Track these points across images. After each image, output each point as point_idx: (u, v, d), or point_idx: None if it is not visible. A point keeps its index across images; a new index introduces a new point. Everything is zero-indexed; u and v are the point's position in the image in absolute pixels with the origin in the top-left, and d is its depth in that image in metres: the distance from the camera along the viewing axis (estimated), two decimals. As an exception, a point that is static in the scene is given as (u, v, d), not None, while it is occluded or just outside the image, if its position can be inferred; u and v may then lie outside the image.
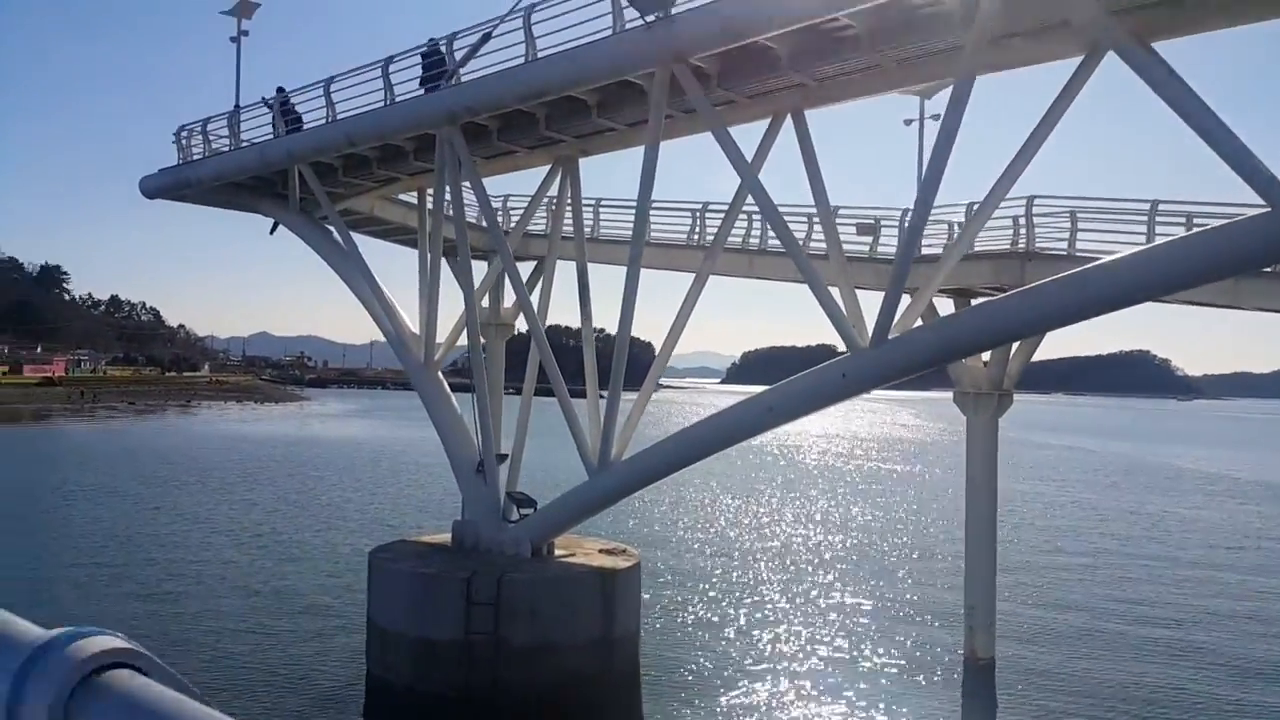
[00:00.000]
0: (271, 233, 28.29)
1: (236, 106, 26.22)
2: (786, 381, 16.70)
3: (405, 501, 48.86)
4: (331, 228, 24.85)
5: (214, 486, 53.63)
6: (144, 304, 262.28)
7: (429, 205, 23.63)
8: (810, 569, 33.89)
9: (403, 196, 28.01)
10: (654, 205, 25.42)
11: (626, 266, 18.11)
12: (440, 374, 23.59)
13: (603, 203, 26.17)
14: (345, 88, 22.62)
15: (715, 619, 26.44)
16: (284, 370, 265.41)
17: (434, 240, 22.33)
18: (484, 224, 30.46)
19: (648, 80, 17.34)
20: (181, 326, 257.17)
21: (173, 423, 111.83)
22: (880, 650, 24.12)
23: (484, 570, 18.96)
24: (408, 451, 76.37)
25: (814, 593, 30.11)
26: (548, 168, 22.62)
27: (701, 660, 22.85)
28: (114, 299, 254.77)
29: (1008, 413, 23.13)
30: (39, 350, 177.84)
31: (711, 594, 29.30)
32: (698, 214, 24.25)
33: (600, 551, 21.37)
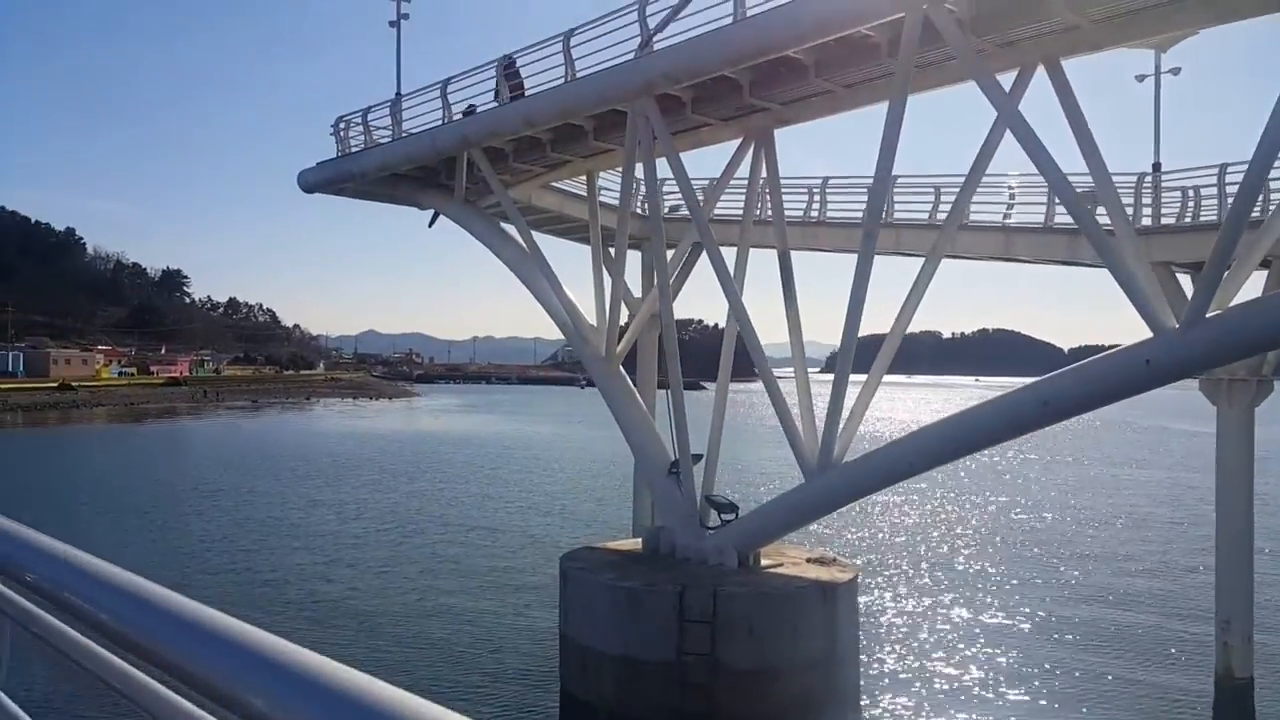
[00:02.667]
0: (431, 225, 27.24)
1: (398, 94, 25.18)
2: (1070, 370, 14.49)
3: (569, 503, 47.48)
4: (508, 221, 23.51)
5: (355, 483, 53.71)
6: (260, 305, 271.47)
7: (617, 187, 22.06)
8: (1027, 578, 31.17)
9: (560, 185, 26.63)
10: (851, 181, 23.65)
11: (860, 245, 16.11)
12: (621, 368, 21.96)
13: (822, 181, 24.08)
14: (522, 65, 21.25)
15: (929, 634, 24.25)
16: (393, 366, 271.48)
17: (621, 225, 20.70)
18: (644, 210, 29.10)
19: (884, 30, 15.33)
20: (296, 326, 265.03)
21: (297, 419, 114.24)
22: (1120, 669, 21.79)
23: (694, 584, 17.23)
24: (551, 449, 76.05)
25: (1037, 605, 27.50)
26: (734, 143, 20.73)
27: (921, 679, 20.80)
28: (232, 301, 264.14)
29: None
30: (163, 351, 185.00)
31: (923, 606, 27.09)
32: (938, 191, 22.08)
33: (809, 561, 19.45)
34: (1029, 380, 15.15)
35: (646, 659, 17.04)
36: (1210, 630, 21.34)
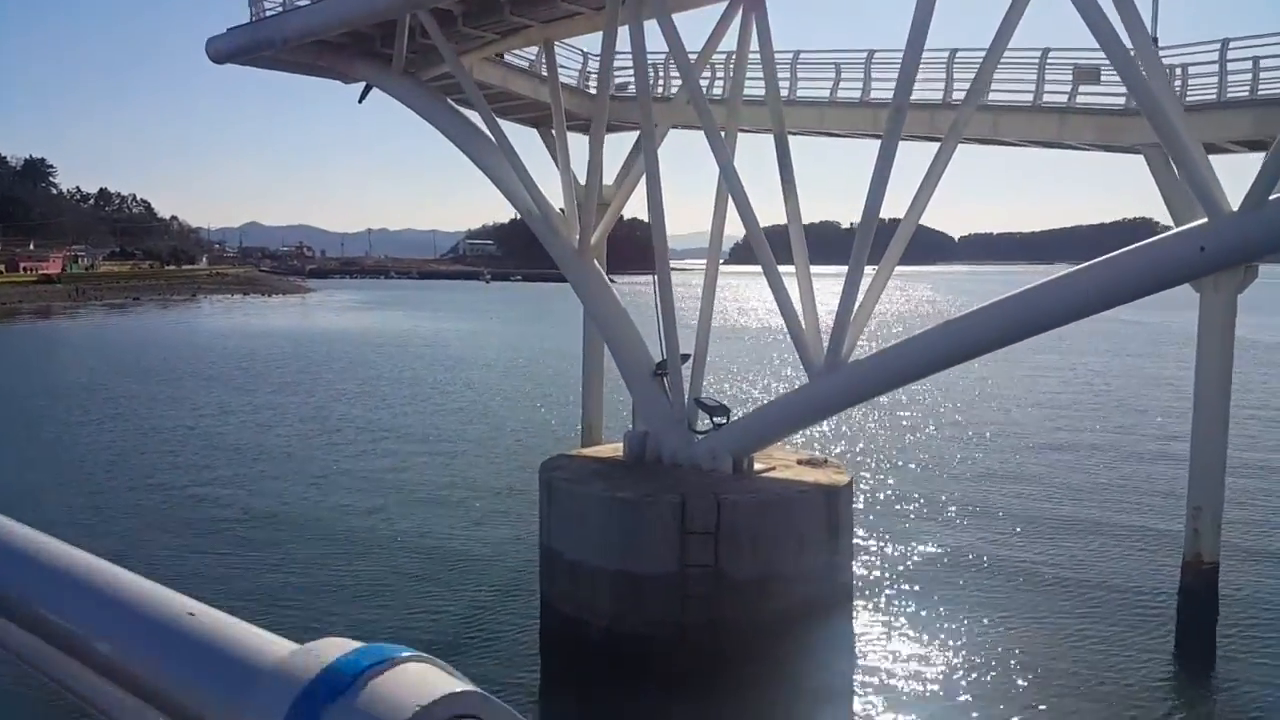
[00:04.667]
0: (361, 100, 24.54)
1: (322, -54, 22.04)
2: (1115, 255, 13.43)
3: (507, 406, 45.44)
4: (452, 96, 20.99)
5: (267, 387, 50.76)
6: (134, 196, 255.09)
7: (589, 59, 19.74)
8: (1004, 474, 31.12)
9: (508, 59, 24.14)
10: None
11: (887, 125, 14.56)
12: (596, 261, 20.17)
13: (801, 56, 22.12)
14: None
15: (909, 531, 23.90)
16: (282, 261, 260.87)
17: (600, 99, 18.62)
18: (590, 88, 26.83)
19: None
20: (174, 218, 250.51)
21: (184, 317, 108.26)
22: (1089, 558, 22.00)
23: (694, 494, 16.03)
24: (475, 347, 73.61)
25: (1014, 501, 27.42)
26: (715, 11, 18.70)
27: (904, 576, 20.43)
28: (103, 192, 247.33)
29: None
30: (31, 247, 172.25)
31: (901, 501, 26.71)
32: (950, 59, 20.34)
33: (800, 463, 18.45)
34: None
35: (646, 572, 15.89)
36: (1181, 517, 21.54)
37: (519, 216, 22.56)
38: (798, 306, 16.80)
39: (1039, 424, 39.83)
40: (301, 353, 68.47)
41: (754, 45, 18.26)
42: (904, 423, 39.02)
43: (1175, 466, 26.22)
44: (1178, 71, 17.84)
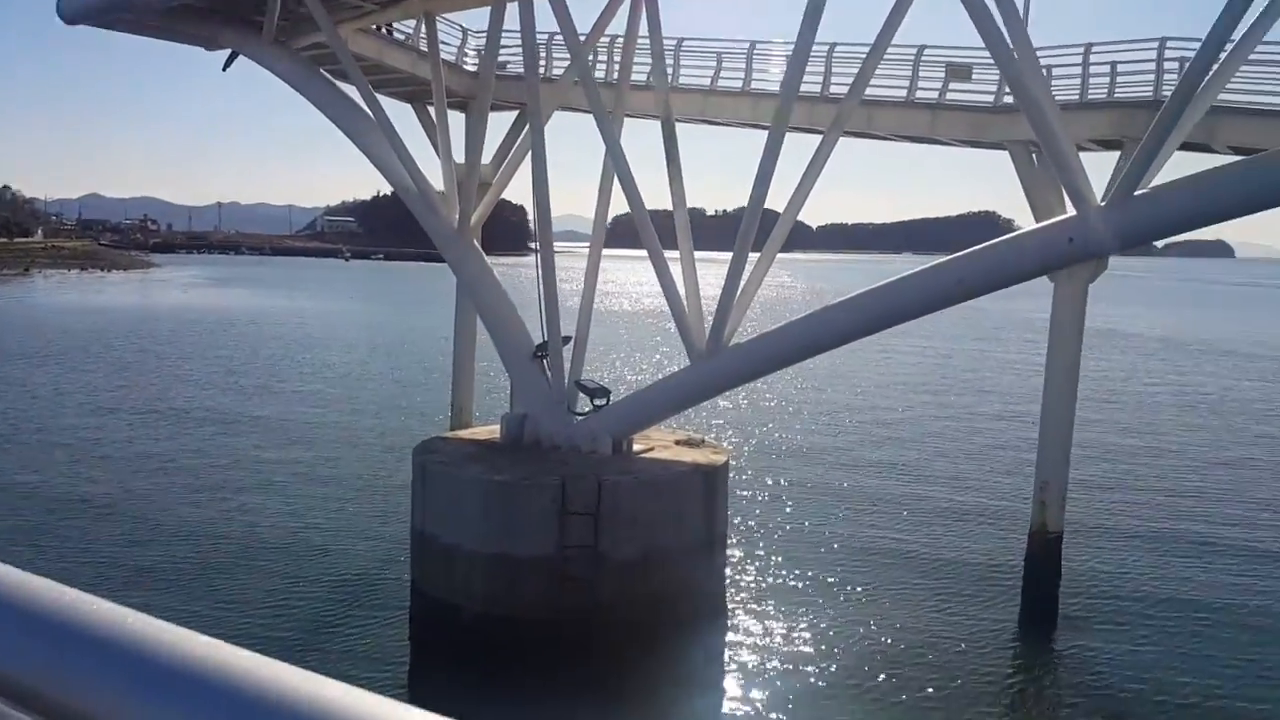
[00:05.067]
0: (225, 69, 23.39)
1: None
2: (985, 247, 14.10)
3: (369, 387, 44.11)
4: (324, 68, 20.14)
5: (106, 367, 47.72)
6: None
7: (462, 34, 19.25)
8: (866, 454, 32.20)
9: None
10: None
11: (776, 114, 14.81)
12: (476, 241, 19.81)
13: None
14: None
15: (779, 509, 24.50)
16: (125, 234, 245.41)
17: (484, 76, 18.25)
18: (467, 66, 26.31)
19: None
20: (6, 187, 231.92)
21: (16, 293, 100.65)
22: (943, 530, 23.21)
23: (574, 475, 16.01)
24: (336, 328, 71.01)
25: (876, 479, 28.48)
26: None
27: (775, 553, 21.01)
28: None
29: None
30: None
31: (771, 482, 27.30)
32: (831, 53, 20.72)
33: (678, 443, 18.69)
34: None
35: (523, 555, 15.79)
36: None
37: (382, 193, 22.13)
38: (681, 291, 16.96)
39: (899, 405, 41.62)
40: (145, 331, 64.75)
41: (643, 30, 18.32)
42: (772, 404, 40.01)
43: (1024, 448, 27.91)
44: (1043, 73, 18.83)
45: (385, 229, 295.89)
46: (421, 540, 17.11)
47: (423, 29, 22.29)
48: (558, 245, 19.36)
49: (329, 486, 25.97)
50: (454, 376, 28.76)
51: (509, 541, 15.80)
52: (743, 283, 16.00)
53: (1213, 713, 15.21)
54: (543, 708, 14.72)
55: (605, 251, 18.70)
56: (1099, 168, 16.53)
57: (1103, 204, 12.74)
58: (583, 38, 17.92)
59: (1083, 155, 19.60)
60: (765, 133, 24.02)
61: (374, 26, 22.93)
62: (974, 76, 20.84)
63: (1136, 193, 12.51)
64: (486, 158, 21.36)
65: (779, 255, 17.07)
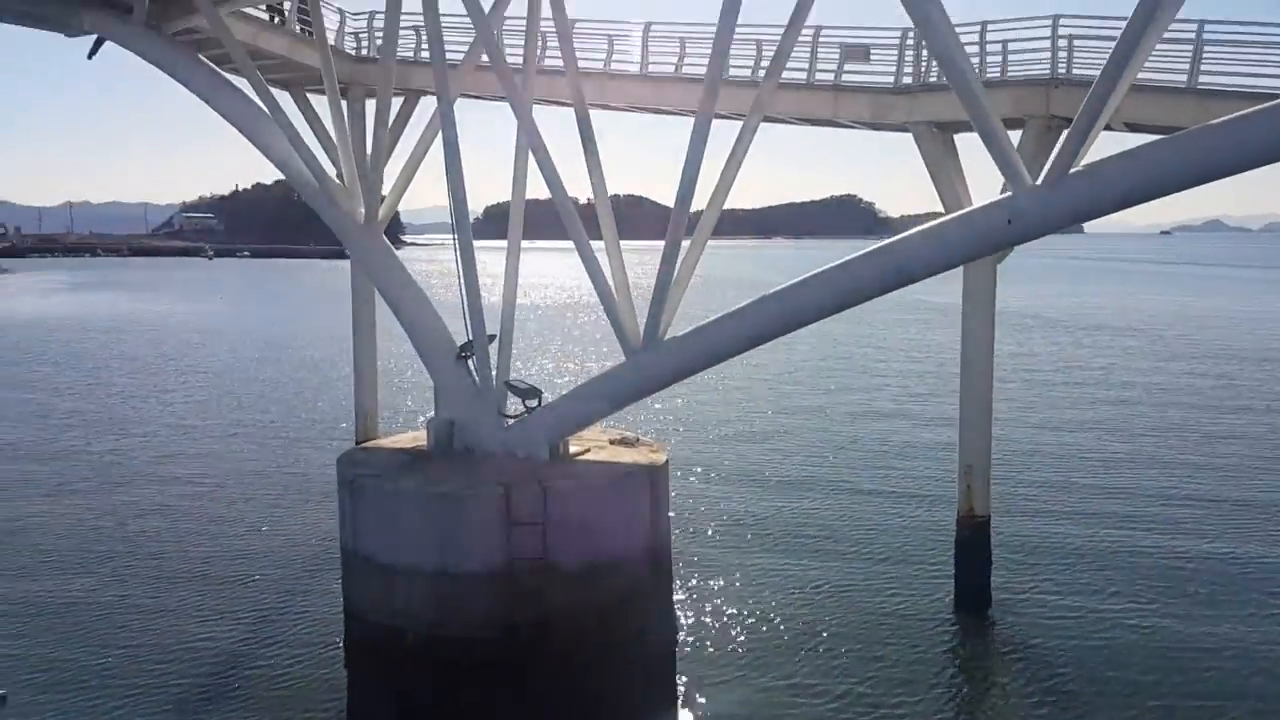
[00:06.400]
0: (91, 55, 21.44)
1: None
2: (920, 231, 13.81)
3: (260, 391, 41.80)
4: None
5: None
6: None
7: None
8: (794, 442, 32.11)
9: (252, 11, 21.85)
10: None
11: (702, 99, 14.18)
12: (385, 236, 18.63)
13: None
14: None
15: (714, 503, 24.15)
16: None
17: (385, 61, 17.05)
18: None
19: None
20: None
21: None
22: (877, 518, 23.30)
23: (517, 482, 15.19)
24: (211, 329, 67.25)
25: (806, 467, 28.43)
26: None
27: (715, 547, 20.67)
28: None
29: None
30: None
31: (705, 476, 26.88)
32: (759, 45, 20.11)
33: (613, 443, 18.01)
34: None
35: (469, 571, 14.88)
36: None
37: (241, 188, 20.85)
38: (610, 283, 16.27)
39: (820, 391, 41.92)
40: (9, 342, 60.23)
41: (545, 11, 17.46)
42: (695, 397, 39.50)
43: (947, 429, 28.31)
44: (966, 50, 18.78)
45: (247, 225, 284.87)
46: (354, 560, 15.98)
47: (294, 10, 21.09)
48: (430, 238, 18.52)
49: (238, 506, 24.38)
50: (356, 379, 27.39)
51: (453, 557, 14.88)
52: (676, 272, 15.41)
53: (1148, 687, 15.58)
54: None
55: (485, 243, 17.93)
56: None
57: (1038, 184, 12.61)
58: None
59: (965, 137, 19.78)
60: (660, 117, 23.86)
61: (253, 9, 21.37)
62: (872, 58, 20.75)
63: (1072, 170, 12.43)
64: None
65: (650, 244, 16.65)
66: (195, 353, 55.65)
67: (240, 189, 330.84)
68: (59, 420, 35.38)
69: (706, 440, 32.19)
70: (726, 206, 16.41)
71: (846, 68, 20.57)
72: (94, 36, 20.58)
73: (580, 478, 15.71)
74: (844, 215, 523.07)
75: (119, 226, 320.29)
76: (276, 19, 23.19)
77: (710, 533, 22.03)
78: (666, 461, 17.12)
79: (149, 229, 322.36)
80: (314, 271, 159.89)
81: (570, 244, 16.59)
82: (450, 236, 16.97)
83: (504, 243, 17.86)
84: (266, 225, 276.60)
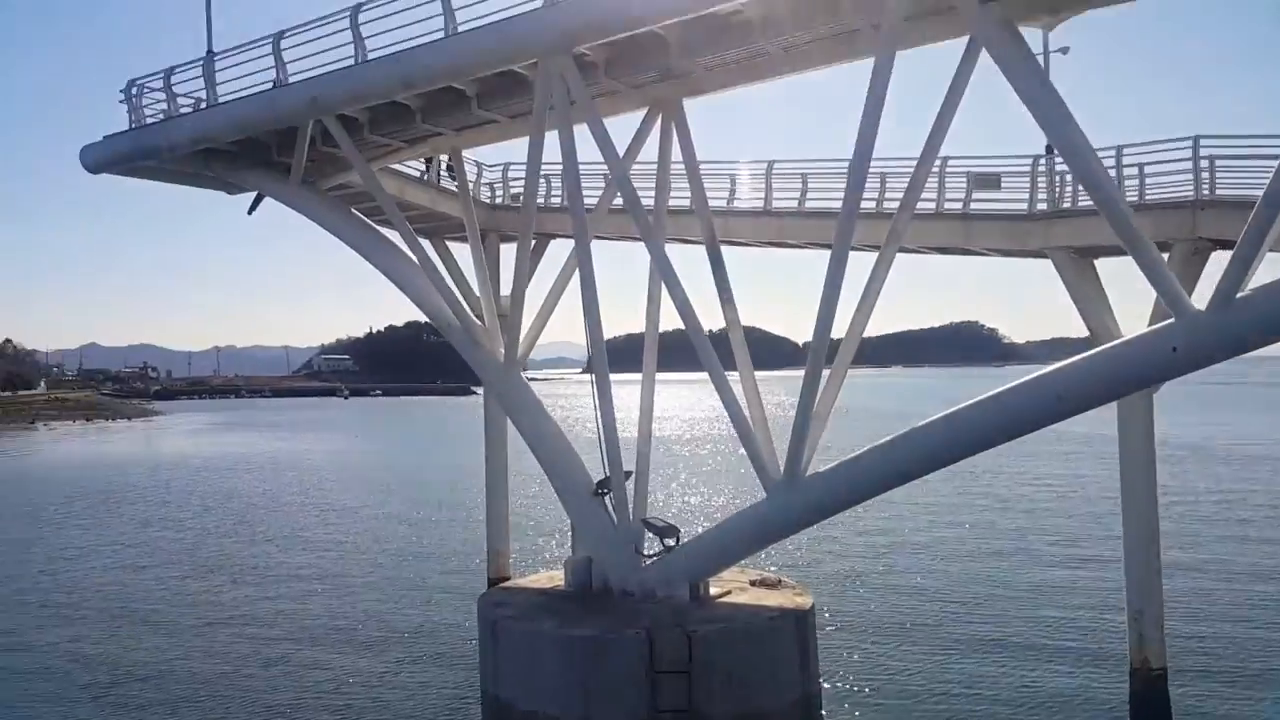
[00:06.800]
0: (251, 212, 22.89)
1: (210, 53, 20.66)
2: (1082, 359, 13.09)
3: (401, 530, 42.43)
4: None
5: (125, 520, 46.21)
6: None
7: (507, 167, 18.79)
8: (942, 581, 30.43)
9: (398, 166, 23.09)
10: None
11: (838, 233, 14.06)
12: (524, 375, 18.90)
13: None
14: (380, 18, 17.61)
15: (871, 653, 22.78)
16: (126, 383, 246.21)
17: (527, 205, 17.66)
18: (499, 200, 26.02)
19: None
20: (8, 341, 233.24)
21: (25, 448, 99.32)
22: (1039, 670, 21.46)
23: (660, 626, 14.63)
24: (351, 468, 69.60)
25: (959, 614, 26.60)
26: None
27: (878, 709, 19.28)
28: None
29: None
30: None
31: (859, 623, 25.56)
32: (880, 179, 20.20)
33: (754, 584, 17.32)
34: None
35: (611, 721, 14.27)
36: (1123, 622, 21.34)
37: (375, 330, 21.49)
38: (746, 414, 15.96)
39: (969, 529, 39.42)
40: (160, 482, 63.54)
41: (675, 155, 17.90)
42: (836, 534, 37.47)
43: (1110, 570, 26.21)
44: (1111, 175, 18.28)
45: (379, 365, 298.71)
46: (496, 707, 15.58)
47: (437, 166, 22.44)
48: (549, 373, 18.67)
49: (377, 648, 24.25)
50: (488, 517, 27.43)
51: (595, 706, 14.32)
52: (815, 404, 14.99)
53: None
54: None
55: (626, 376, 17.83)
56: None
57: (1203, 309, 11.85)
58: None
59: (1106, 261, 18.92)
60: (785, 250, 23.81)
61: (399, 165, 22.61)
62: (1003, 185, 20.34)
63: (1239, 294, 11.65)
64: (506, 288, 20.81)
65: (767, 374, 16.24)
66: (331, 491, 57.33)
67: (373, 331, 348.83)
68: (206, 560, 36.58)
69: (847, 581, 30.60)
70: (837, 335, 15.93)
71: (976, 195, 20.23)
72: (253, 195, 22.10)
73: (725, 622, 15.06)
74: (965, 342, 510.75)
75: (262, 369, 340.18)
76: (421, 174, 24.48)
77: (860, 684, 20.62)
78: (813, 605, 16.31)
79: (289, 370, 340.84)
80: (440, 409, 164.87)
81: (694, 375, 16.42)
82: (569, 371, 17.12)
83: (625, 376, 17.72)
84: (397, 365, 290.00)
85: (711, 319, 17.50)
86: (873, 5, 13.56)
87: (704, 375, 15.83)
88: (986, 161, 20.50)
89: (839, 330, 15.10)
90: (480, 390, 20.18)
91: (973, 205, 19.38)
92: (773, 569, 19.44)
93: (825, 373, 15.24)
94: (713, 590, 16.60)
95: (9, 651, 24.66)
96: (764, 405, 17.04)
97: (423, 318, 21.32)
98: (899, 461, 14.60)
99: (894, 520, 40.98)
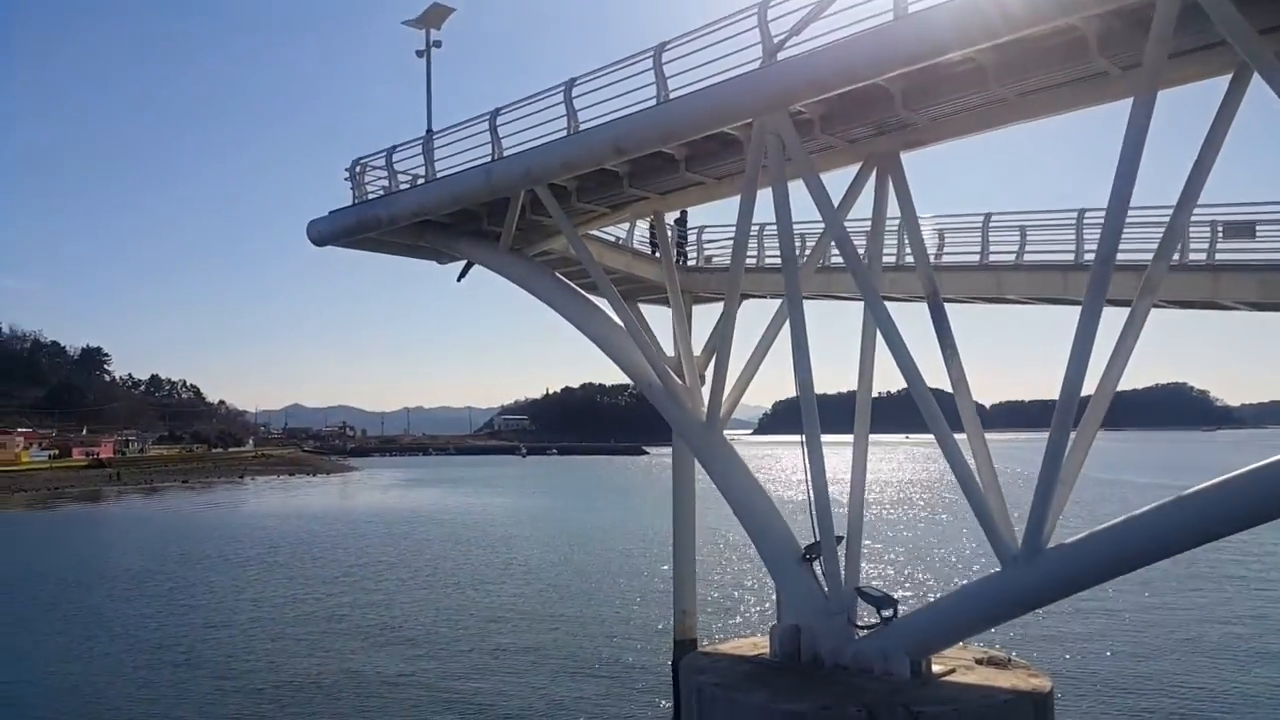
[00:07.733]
0: (461, 279, 23.88)
1: (429, 131, 21.91)
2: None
3: (588, 588, 42.95)
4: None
5: (322, 574, 48.74)
6: (184, 382, 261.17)
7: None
8: (1194, 668, 27.81)
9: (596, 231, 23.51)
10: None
11: (1090, 288, 13.18)
12: (725, 435, 18.63)
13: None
14: (591, 91, 18.05)
15: None
16: (325, 441, 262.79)
17: (735, 265, 17.57)
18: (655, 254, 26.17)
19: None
20: (222, 402, 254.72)
21: (238, 499, 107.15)
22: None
23: (880, 704, 13.77)
24: (533, 524, 71.45)
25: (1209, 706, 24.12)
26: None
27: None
28: (154, 378, 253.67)
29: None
30: (84, 432, 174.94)
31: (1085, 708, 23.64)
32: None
33: (980, 663, 16.11)
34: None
35: (829, 805, 13.46)
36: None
37: (551, 391, 21.66)
38: (978, 479, 15.01)
39: (1220, 606, 35.62)
40: (357, 533, 66.89)
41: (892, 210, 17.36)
42: (1065, 605, 34.52)
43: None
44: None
45: (555, 425, 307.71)
46: (699, 779, 15.07)
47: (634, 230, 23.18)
48: (731, 434, 18.24)
49: (566, 707, 24.27)
50: (675, 577, 27.09)
51: (809, 788, 13.57)
52: (1061, 470, 13.90)
53: None
54: None
55: (770, 438, 17.07)
56: None
57: None
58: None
59: None
60: (1008, 305, 22.71)
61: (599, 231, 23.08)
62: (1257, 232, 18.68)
63: None
64: (695, 349, 20.70)
65: (957, 438, 15.03)
66: (514, 546, 58.61)
67: (550, 392, 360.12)
68: (403, 612, 37.86)
69: (1083, 663, 28.22)
70: (1028, 398, 14.80)
71: (1222, 245, 18.66)
72: (462, 264, 23.06)
73: (954, 703, 14.01)
74: (1173, 405, 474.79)
75: (448, 428, 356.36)
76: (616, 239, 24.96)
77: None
78: (1051, 690, 15.01)
79: (472, 429, 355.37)
80: (614, 468, 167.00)
81: (887, 436, 15.67)
82: (740, 432, 16.76)
83: (798, 438, 16.86)
84: (572, 425, 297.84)
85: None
86: (1128, 43, 12.76)
87: (895, 437, 15.10)
88: (1236, 208, 19.00)
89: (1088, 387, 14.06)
90: (650, 451, 20.62)
91: (1219, 255, 17.86)
92: (998, 647, 18.07)
93: (1071, 435, 14.17)
94: (935, 668, 15.57)
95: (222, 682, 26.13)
96: (942, 466, 16.05)
97: (597, 379, 21.69)
98: (1158, 535, 13.28)
99: (1134, 594, 37.27)
